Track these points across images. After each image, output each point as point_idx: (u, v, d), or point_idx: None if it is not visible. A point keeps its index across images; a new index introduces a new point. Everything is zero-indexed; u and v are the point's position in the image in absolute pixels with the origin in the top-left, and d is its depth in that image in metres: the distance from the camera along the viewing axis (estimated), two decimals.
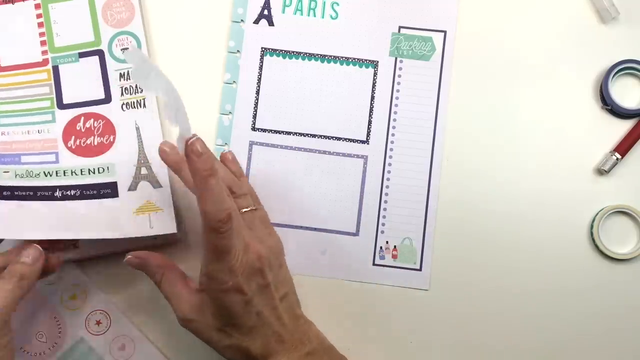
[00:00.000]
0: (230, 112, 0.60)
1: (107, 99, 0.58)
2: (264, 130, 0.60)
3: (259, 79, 0.60)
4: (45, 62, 0.59)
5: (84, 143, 0.58)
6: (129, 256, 0.52)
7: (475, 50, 0.60)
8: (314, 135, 0.60)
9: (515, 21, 0.60)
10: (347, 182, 0.59)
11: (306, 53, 0.60)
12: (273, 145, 0.60)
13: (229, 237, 0.46)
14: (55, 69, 0.59)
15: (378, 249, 0.59)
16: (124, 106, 0.58)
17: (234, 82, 0.60)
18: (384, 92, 0.60)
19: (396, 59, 0.60)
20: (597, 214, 0.58)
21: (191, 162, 0.45)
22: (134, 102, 0.58)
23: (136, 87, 0.58)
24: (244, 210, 0.53)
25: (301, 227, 0.59)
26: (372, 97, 0.60)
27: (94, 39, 0.59)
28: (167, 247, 0.58)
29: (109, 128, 0.58)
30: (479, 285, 0.58)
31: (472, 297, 0.58)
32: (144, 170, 0.57)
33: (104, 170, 0.57)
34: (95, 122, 0.58)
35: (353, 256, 0.59)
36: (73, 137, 0.58)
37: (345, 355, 0.54)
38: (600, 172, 0.59)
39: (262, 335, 0.49)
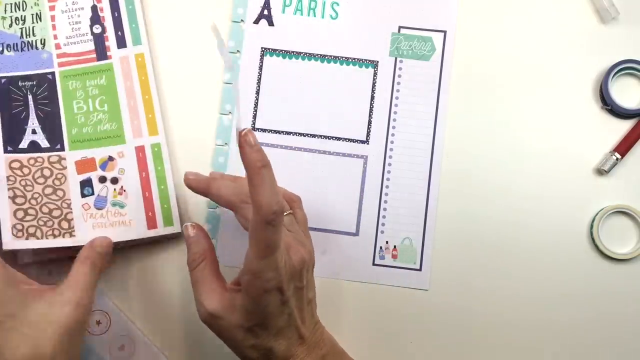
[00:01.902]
0: (230, 112, 0.60)
1: None
2: (264, 130, 0.60)
3: (259, 79, 0.60)
4: None
5: None
6: (189, 226, 0.52)
7: (475, 50, 0.60)
8: (314, 135, 0.60)
9: (515, 21, 0.60)
10: (347, 182, 0.59)
11: (306, 53, 0.60)
12: (273, 145, 0.60)
13: (280, 232, 0.45)
14: None
15: (378, 249, 0.59)
16: None
17: (234, 82, 0.60)
18: (384, 92, 0.60)
19: (396, 59, 0.60)
20: (597, 214, 0.58)
21: (244, 153, 0.44)
22: None
23: None
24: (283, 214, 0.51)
25: None
26: (372, 97, 0.60)
27: None
28: (163, 243, 0.58)
29: None
30: (478, 285, 0.58)
31: (472, 297, 0.58)
32: None
33: None
34: None
35: (353, 256, 0.59)
36: None
37: (348, 356, 0.54)
38: (600, 172, 0.59)
39: (287, 337, 0.49)
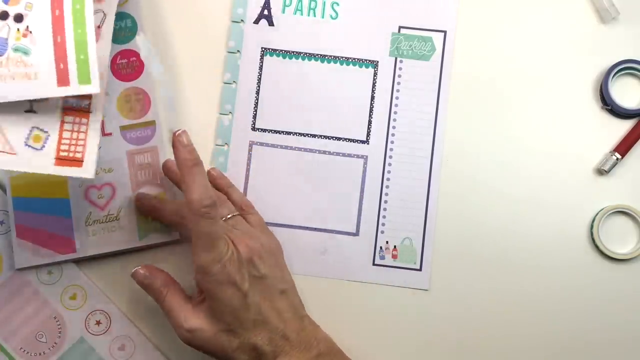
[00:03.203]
0: (230, 112, 0.60)
1: None
2: (264, 130, 0.60)
3: (259, 79, 0.60)
4: None
5: None
6: (138, 269, 0.53)
7: (475, 50, 0.60)
8: (314, 135, 0.60)
9: (515, 21, 0.60)
10: (347, 182, 0.59)
11: (306, 53, 0.60)
12: (273, 145, 0.60)
13: (217, 224, 0.48)
14: None
15: (378, 249, 0.59)
16: None
17: (234, 82, 0.60)
18: (384, 92, 0.60)
19: (396, 59, 0.60)
20: (597, 214, 0.58)
21: (177, 152, 0.47)
22: None
23: None
24: (226, 217, 0.54)
25: (301, 227, 0.59)
26: (372, 97, 0.60)
27: None
28: (162, 248, 0.58)
29: None
30: (479, 285, 0.58)
31: (472, 297, 0.58)
32: None
33: None
34: None
35: (353, 256, 0.59)
36: None
37: (346, 356, 0.54)
38: (600, 172, 0.59)
39: (266, 330, 0.50)
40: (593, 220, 0.58)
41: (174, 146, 0.47)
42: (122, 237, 0.57)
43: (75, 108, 0.48)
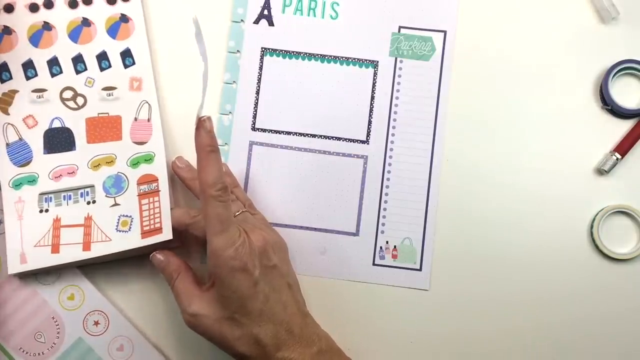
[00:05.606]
0: (230, 112, 0.60)
1: None
2: (264, 130, 0.60)
3: (259, 79, 0.60)
4: None
5: None
6: (156, 254, 0.54)
7: (475, 50, 0.60)
8: (313, 135, 0.60)
9: (515, 21, 0.60)
10: (347, 182, 0.59)
11: (306, 53, 0.60)
12: (273, 145, 0.60)
13: (229, 208, 0.49)
14: None
15: (378, 249, 0.59)
16: None
17: (234, 82, 0.60)
18: (384, 92, 0.60)
19: (396, 59, 0.60)
20: (597, 214, 0.58)
21: (198, 136, 0.48)
22: None
23: None
24: (235, 213, 0.54)
25: (301, 227, 0.59)
26: (372, 97, 0.60)
27: None
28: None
29: None
30: (479, 285, 0.58)
31: (472, 297, 0.58)
32: None
33: None
34: None
35: (353, 256, 0.59)
36: None
37: (345, 355, 0.54)
38: (600, 172, 0.59)
39: (271, 322, 0.50)
40: (593, 220, 0.58)
41: (196, 129, 0.48)
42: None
43: (148, 192, 0.56)
